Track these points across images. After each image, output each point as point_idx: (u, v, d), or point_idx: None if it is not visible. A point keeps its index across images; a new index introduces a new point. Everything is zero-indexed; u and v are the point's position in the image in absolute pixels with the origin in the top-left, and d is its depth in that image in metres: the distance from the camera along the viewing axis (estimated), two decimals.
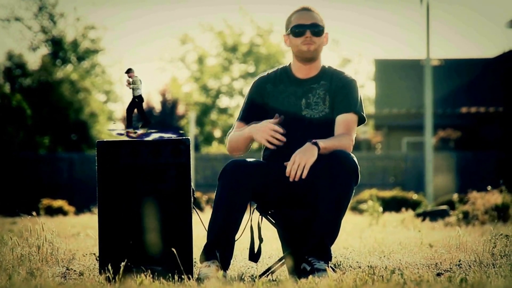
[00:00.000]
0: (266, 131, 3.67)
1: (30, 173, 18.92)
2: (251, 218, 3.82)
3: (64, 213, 13.22)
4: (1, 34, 54.10)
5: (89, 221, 9.72)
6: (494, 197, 8.71)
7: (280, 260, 3.88)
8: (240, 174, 3.63)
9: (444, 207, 10.25)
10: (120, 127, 3.84)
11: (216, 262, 3.57)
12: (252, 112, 3.88)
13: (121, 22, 58.13)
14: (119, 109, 37.80)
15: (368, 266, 3.96)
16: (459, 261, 4.16)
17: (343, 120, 3.77)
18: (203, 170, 19.51)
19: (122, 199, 3.55)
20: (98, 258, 3.59)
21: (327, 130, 3.79)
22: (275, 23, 39.99)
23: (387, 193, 13.56)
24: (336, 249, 4.98)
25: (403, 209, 10.78)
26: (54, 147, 27.05)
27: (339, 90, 3.82)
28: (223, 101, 36.07)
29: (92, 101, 29.37)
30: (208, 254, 3.60)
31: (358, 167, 3.64)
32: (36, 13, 34.02)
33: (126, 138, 3.65)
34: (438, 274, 3.68)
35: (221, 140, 33.90)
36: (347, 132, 3.75)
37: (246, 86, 34.75)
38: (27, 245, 4.35)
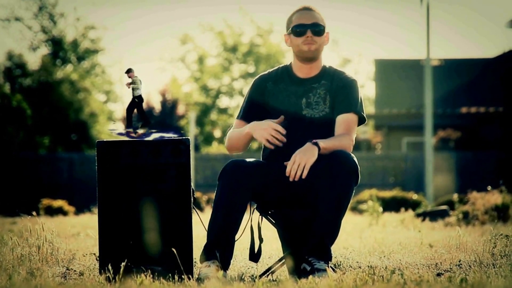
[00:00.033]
0: (267, 130, 3.67)
1: (30, 173, 18.92)
2: (251, 218, 3.82)
3: (64, 213, 13.22)
4: (1, 34, 54.12)
5: (89, 221, 9.72)
6: (494, 197, 8.71)
7: (280, 260, 3.88)
8: (240, 174, 3.63)
9: (444, 207, 10.25)
10: (120, 127, 3.83)
11: (216, 262, 3.57)
12: (252, 111, 3.87)
13: (121, 22, 58.15)
14: (119, 109, 37.82)
15: (368, 266, 3.96)
16: (459, 261, 4.16)
17: (343, 120, 3.77)
18: (203, 170, 19.51)
19: (122, 199, 3.55)
20: (98, 258, 3.59)
21: (327, 130, 3.79)
22: (275, 23, 40.03)
23: (387, 193, 13.56)
24: (336, 249, 4.98)
25: (403, 209, 10.77)
26: (54, 147, 27.05)
27: (339, 90, 3.81)
28: (223, 101, 36.09)
29: (92, 101, 29.37)
30: (208, 254, 3.60)
31: (358, 167, 3.64)
32: (36, 13, 34.03)
33: (126, 138, 3.65)
34: (438, 274, 3.68)
35: (221, 140, 33.90)
36: (347, 132, 3.75)
37: (246, 86, 34.74)
38: (27, 245, 4.35)
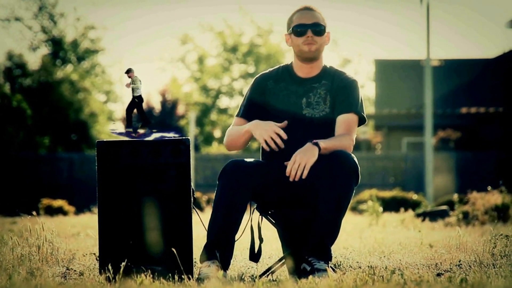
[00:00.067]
0: (268, 132, 3.66)
1: (30, 173, 18.92)
2: (251, 218, 3.82)
3: (64, 213, 13.21)
4: (1, 34, 54.12)
5: (89, 221, 9.72)
6: (494, 198, 8.71)
7: (280, 260, 3.88)
8: (240, 174, 3.63)
9: (444, 207, 10.25)
10: (120, 127, 3.83)
11: (216, 262, 3.57)
12: (253, 109, 3.87)
13: (121, 22, 58.16)
14: (119, 109, 37.82)
15: (368, 266, 3.96)
16: (459, 261, 4.16)
17: (343, 120, 3.77)
18: (203, 170, 19.51)
19: (122, 199, 3.55)
20: (98, 258, 3.59)
21: (327, 130, 3.79)
22: (275, 23, 40.05)
23: (387, 193, 13.56)
24: (336, 249, 4.98)
25: (403, 209, 10.77)
26: (54, 147, 27.05)
27: (340, 90, 3.81)
28: (223, 101, 36.09)
29: (92, 101, 29.37)
30: (208, 254, 3.60)
31: (359, 167, 3.64)
32: (36, 13, 34.03)
33: (126, 138, 3.65)
34: (438, 274, 3.68)
35: (221, 140, 33.89)
36: (347, 132, 3.75)
37: (246, 86, 34.71)
38: (27, 245, 4.35)
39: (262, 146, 3.77)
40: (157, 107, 28.25)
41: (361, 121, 3.83)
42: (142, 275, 3.36)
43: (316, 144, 3.61)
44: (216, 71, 35.25)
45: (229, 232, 3.61)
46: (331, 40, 3.88)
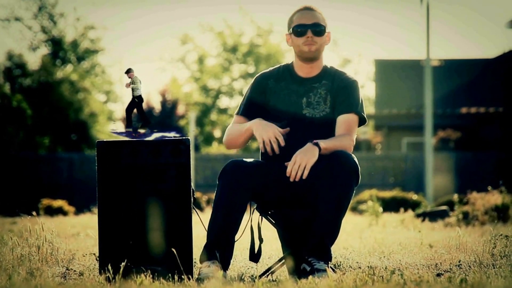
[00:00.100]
0: (269, 133, 3.66)
1: (30, 173, 18.92)
2: (251, 218, 3.82)
3: (64, 213, 13.22)
4: (1, 34, 54.11)
5: (89, 221, 9.72)
6: (494, 198, 8.71)
7: (280, 260, 3.88)
8: (240, 174, 3.63)
9: (444, 207, 10.25)
10: (120, 127, 3.84)
11: (216, 262, 3.57)
12: (253, 108, 3.86)
13: (121, 22, 58.17)
14: (119, 109, 37.82)
15: (368, 267, 3.96)
16: (459, 262, 4.16)
17: (344, 121, 3.77)
18: (203, 170, 19.51)
19: (122, 199, 3.55)
20: (98, 258, 3.59)
21: (327, 130, 3.79)
22: (275, 23, 40.05)
23: (387, 194, 13.56)
24: (336, 249, 4.98)
25: (403, 210, 10.78)
26: (54, 147, 27.06)
27: (340, 90, 3.81)
28: (223, 101, 36.08)
29: (92, 101, 29.37)
30: (208, 254, 3.60)
31: (359, 167, 3.64)
32: (36, 13, 34.02)
33: (126, 138, 3.65)
34: (438, 275, 3.68)
35: (221, 141, 33.89)
36: (347, 133, 3.75)
37: (246, 86, 34.69)
38: (27, 245, 4.35)
39: (260, 146, 3.77)
40: (157, 107, 28.26)
41: (362, 121, 3.83)
42: (142, 275, 3.36)
43: (317, 144, 3.61)
44: (216, 71, 35.24)
45: (229, 232, 3.61)
46: (331, 40, 3.87)
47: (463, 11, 61.45)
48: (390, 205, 12.34)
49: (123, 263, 3.41)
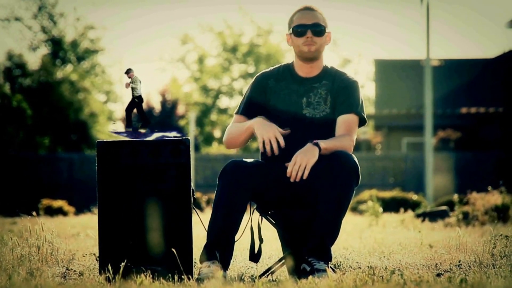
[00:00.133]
0: (270, 132, 3.66)
1: (30, 173, 18.92)
2: (251, 219, 3.82)
3: (64, 213, 13.22)
4: (1, 34, 54.11)
5: (89, 221, 9.72)
6: (494, 198, 8.71)
7: (280, 260, 3.88)
8: (240, 174, 3.63)
9: (444, 207, 10.25)
10: (120, 127, 3.84)
11: (216, 262, 3.57)
12: (253, 108, 3.86)
13: (121, 22, 58.18)
14: (119, 109, 37.83)
15: (368, 267, 3.96)
16: (459, 262, 4.16)
17: (344, 121, 3.77)
18: (203, 170, 19.51)
19: (122, 199, 3.55)
20: (98, 258, 3.59)
21: (327, 130, 3.79)
22: (275, 23, 40.06)
23: (387, 194, 13.56)
24: (336, 249, 4.98)
25: (403, 210, 10.78)
26: (54, 147, 27.06)
27: (341, 91, 3.81)
28: (223, 102, 36.07)
29: (92, 101, 29.38)
30: (208, 254, 3.60)
31: (359, 167, 3.64)
32: (36, 13, 34.02)
33: (127, 138, 3.65)
34: (438, 275, 3.68)
35: (221, 141, 33.89)
36: (348, 133, 3.75)
37: (246, 86, 34.63)
38: (27, 245, 4.35)
39: (260, 146, 3.76)
40: (157, 107, 28.26)
41: (362, 122, 3.83)
42: (142, 275, 3.36)
43: (317, 145, 3.61)
44: (216, 71, 35.24)
45: (229, 232, 3.61)
46: (331, 40, 3.87)
47: (463, 11, 61.48)
48: (390, 205, 12.34)
49: (123, 263, 3.41)
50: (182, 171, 3.56)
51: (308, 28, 3.78)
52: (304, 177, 3.55)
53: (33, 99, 26.72)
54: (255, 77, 3.94)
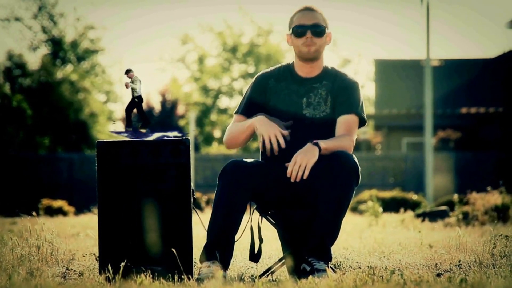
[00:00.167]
0: (272, 130, 3.66)
1: (30, 173, 18.92)
2: (251, 218, 3.82)
3: (64, 213, 13.22)
4: (1, 34, 54.11)
5: (89, 221, 9.72)
6: (494, 198, 8.71)
7: (280, 260, 3.88)
8: (240, 174, 3.63)
9: (444, 207, 10.25)
10: (120, 127, 3.84)
11: (216, 262, 3.57)
12: (253, 108, 3.86)
13: (121, 22, 58.19)
14: (119, 109, 37.81)
15: (368, 267, 3.96)
16: (459, 262, 4.16)
17: (344, 121, 3.77)
18: (203, 170, 19.51)
19: (122, 199, 3.55)
20: (98, 258, 3.59)
21: (327, 130, 3.79)
22: (275, 23, 40.06)
23: (387, 194, 13.56)
24: (336, 249, 4.98)
25: (403, 210, 10.78)
26: (54, 147, 27.05)
27: (341, 91, 3.81)
28: (223, 102, 36.07)
29: (92, 101, 29.37)
30: (208, 254, 3.60)
31: (359, 167, 3.64)
32: (36, 13, 34.01)
33: (127, 138, 3.65)
34: (438, 275, 3.68)
35: (221, 141, 33.88)
36: (348, 133, 3.75)
37: (246, 86, 34.60)
38: (27, 245, 4.35)
39: (260, 146, 3.76)
40: (157, 107, 28.26)
41: (362, 122, 3.83)
42: (142, 275, 3.36)
43: (317, 145, 3.61)
44: (216, 71, 35.23)
45: (229, 232, 3.61)
46: (331, 40, 3.87)
47: (463, 11, 61.49)
48: (390, 205, 12.34)
49: (123, 263, 3.41)
50: (182, 171, 3.56)
51: (308, 29, 3.78)
52: (304, 177, 3.55)
53: (33, 99, 26.72)
54: (255, 77, 3.94)
